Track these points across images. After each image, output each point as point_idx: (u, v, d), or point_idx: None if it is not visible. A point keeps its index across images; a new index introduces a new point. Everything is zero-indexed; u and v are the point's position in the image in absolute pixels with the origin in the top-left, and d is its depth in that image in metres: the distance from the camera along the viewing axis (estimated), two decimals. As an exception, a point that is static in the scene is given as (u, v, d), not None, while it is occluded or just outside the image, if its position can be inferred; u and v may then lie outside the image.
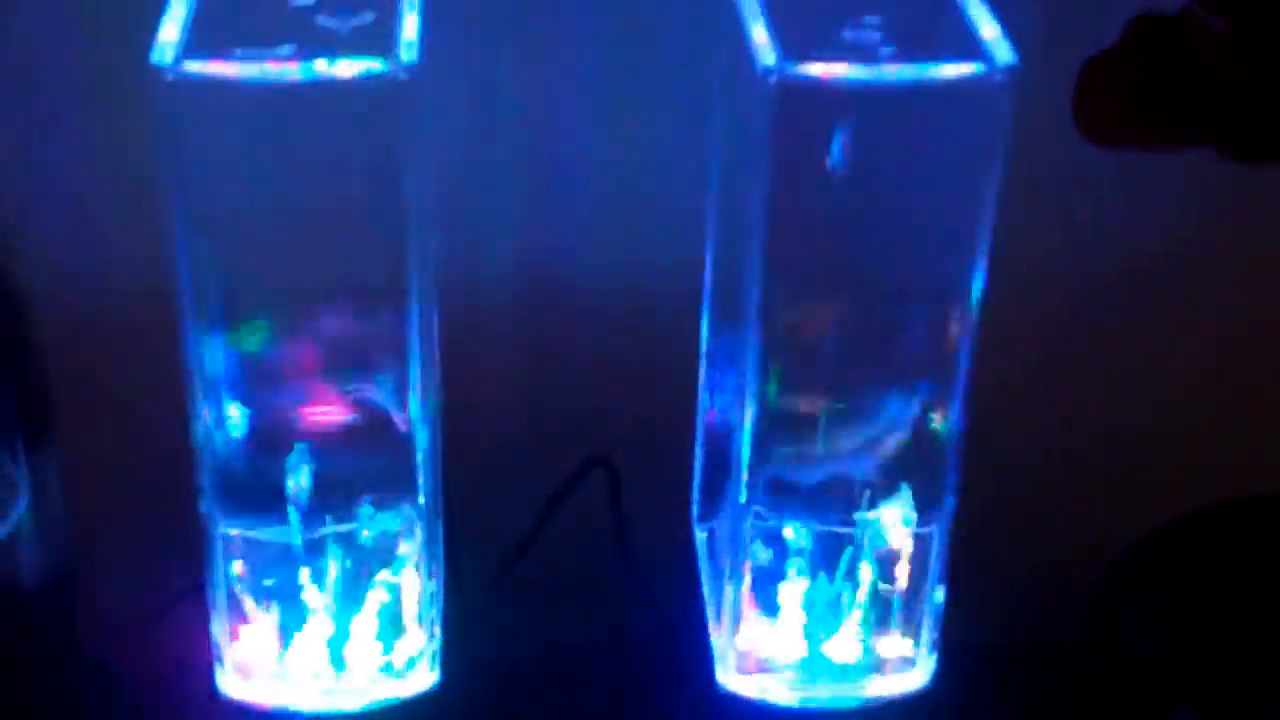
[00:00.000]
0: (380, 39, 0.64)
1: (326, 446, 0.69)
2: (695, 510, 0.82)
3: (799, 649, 0.73)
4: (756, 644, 0.74)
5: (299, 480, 0.70)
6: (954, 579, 0.73)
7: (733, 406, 0.71)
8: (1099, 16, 0.70)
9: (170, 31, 0.63)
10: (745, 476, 0.71)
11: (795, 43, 0.63)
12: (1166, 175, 0.83)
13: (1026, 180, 0.66)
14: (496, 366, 0.89)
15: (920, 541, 0.71)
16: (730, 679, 0.74)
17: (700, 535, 0.81)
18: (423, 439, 0.70)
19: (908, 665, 0.74)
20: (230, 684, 0.73)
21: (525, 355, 0.92)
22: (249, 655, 0.73)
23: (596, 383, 0.90)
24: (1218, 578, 0.83)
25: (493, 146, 0.90)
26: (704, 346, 0.79)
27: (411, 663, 0.74)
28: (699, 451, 0.81)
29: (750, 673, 0.74)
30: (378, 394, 0.69)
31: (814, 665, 0.74)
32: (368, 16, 0.65)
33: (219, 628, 0.73)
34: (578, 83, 0.88)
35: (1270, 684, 0.78)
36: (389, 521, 0.71)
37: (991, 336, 0.68)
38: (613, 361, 0.90)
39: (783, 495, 0.71)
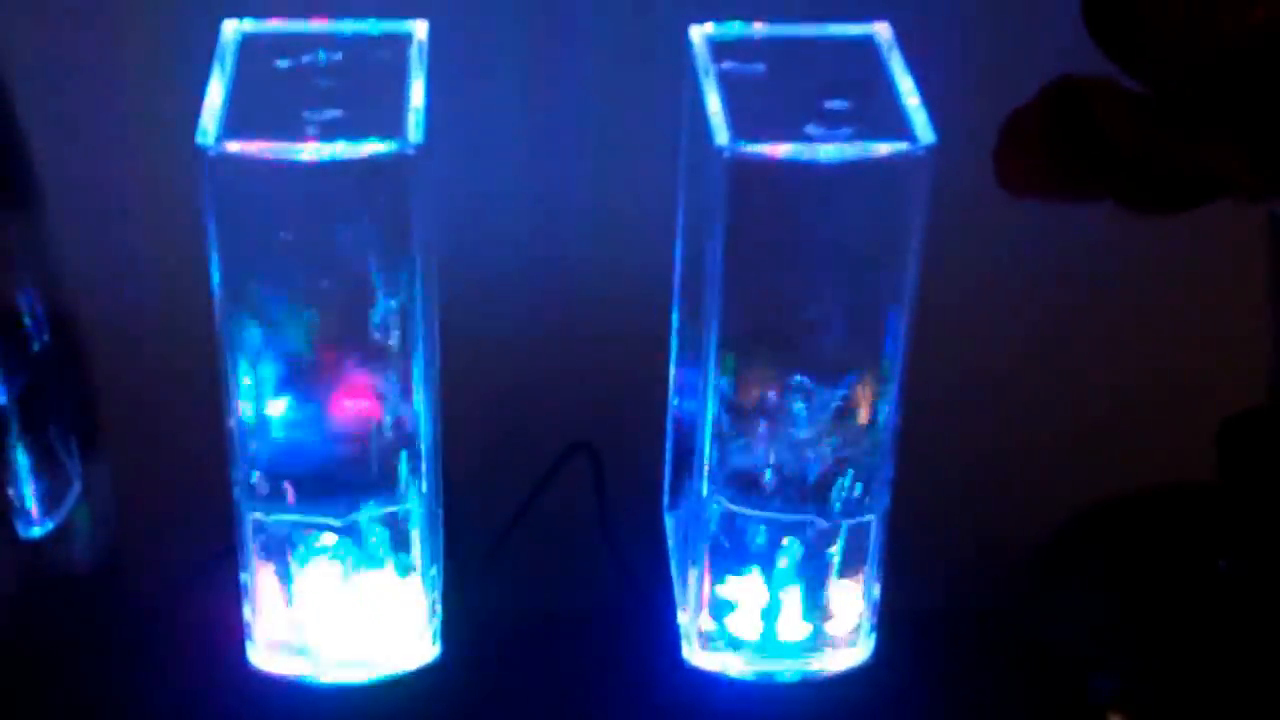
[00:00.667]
0: (391, 110, 0.70)
1: (341, 439, 0.74)
2: (666, 498, 0.86)
3: (756, 628, 0.78)
4: (717, 623, 0.79)
5: (319, 471, 0.74)
6: (893, 554, 0.77)
7: (696, 405, 0.75)
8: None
9: (211, 111, 0.69)
10: (706, 470, 0.75)
11: (745, 120, 0.69)
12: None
13: (957, 192, 0.71)
14: (489, 363, 0.94)
15: (859, 531, 0.76)
16: (694, 655, 0.79)
17: (670, 521, 0.86)
18: (425, 430, 0.74)
19: (851, 643, 0.79)
20: (259, 658, 0.78)
21: (517, 353, 0.97)
22: (275, 632, 0.78)
23: (580, 375, 0.95)
24: (1137, 557, 0.87)
25: (492, 167, 0.96)
26: (673, 351, 0.83)
27: (416, 638, 0.79)
28: (669, 444, 0.85)
29: (712, 650, 0.79)
30: (386, 389, 0.73)
31: (768, 643, 0.78)
32: (378, 85, 0.71)
33: (249, 607, 0.77)
34: (571, 113, 0.93)
35: (1181, 654, 0.82)
36: (395, 508, 0.75)
37: (932, 335, 0.73)
38: (596, 359, 0.96)
39: (741, 487, 0.75)
